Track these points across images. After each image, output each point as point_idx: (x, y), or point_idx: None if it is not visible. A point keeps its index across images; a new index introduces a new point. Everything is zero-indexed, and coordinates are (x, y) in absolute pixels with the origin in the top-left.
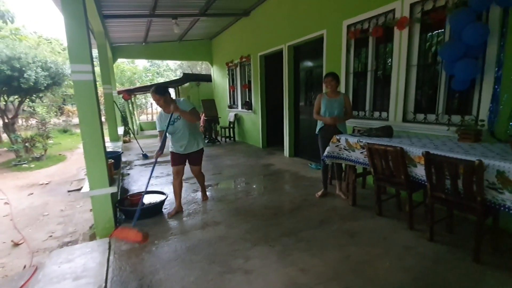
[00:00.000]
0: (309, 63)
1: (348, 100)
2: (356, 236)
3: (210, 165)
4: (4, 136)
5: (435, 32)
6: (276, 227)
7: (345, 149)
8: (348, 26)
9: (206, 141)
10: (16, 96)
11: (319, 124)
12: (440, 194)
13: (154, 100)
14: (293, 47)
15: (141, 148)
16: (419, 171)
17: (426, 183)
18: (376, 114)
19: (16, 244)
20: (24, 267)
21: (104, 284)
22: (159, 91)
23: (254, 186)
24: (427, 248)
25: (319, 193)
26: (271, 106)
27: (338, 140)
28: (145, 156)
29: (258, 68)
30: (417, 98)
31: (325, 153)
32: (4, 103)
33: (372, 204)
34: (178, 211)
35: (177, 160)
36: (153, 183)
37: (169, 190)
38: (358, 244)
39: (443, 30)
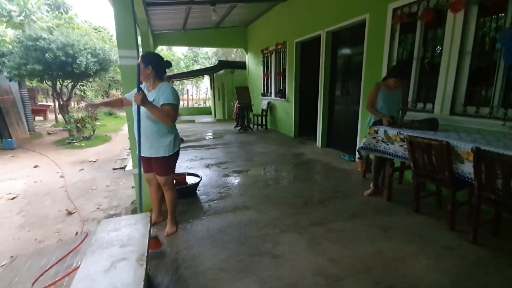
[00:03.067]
0: (348, 50)
1: (407, 92)
2: (390, 231)
3: (241, 151)
4: (59, 117)
5: (494, 16)
6: (306, 216)
7: (383, 141)
8: (394, 10)
9: (238, 128)
10: (69, 80)
11: (373, 117)
12: (489, 194)
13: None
14: (332, 33)
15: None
16: (466, 168)
17: (473, 182)
18: (420, 105)
19: (69, 213)
20: (76, 233)
21: (146, 253)
22: (143, 57)
23: (285, 174)
24: (468, 250)
25: (368, 191)
26: (305, 94)
27: (376, 132)
28: (182, 141)
29: (293, 55)
30: (468, 89)
31: (361, 144)
32: (60, 86)
33: (409, 200)
34: (155, 222)
35: (143, 163)
36: (188, 166)
37: (202, 173)
38: (392, 240)
39: (503, 14)
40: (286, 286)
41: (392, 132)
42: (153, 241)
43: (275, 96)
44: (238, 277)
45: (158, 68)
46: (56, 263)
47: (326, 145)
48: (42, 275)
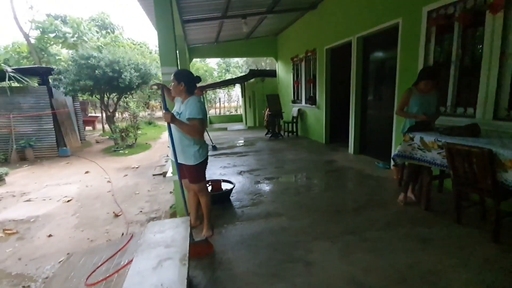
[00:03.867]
0: (380, 55)
1: (439, 95)
2: (428, 242)
3: (272, 158)
4: (106, 127)
5: None
6: (338, 224)
7: (419, 149)
8: (429, 12)
9: (269, 135)
10: (115, 94)
11: (408, 122)
12: None
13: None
14: (363, 38)
15: (211, 140)
16: (511, 177)
17: None
18: (460, 110)
19: (116, 215)
20: (122, 234)
21: (187, 254)
22: (176, 74)
23: (316, 182)
24: None
25: (401, 197)
26: (336, 101)
27: (411, 139)
28: (214, 148)
29: (324, 62)
30: None
31: (396, 151)
32: (107, 99)
33: (449, 210)
34: (192, 226)
35: (180, 170)
36: (221, 173)
37: (235, 180)
38: (430, 252)
39: None
40: None
41: (429, 139)
42: (206, 245)
43: (306, 103)
44: (271, 282)
45: (189, 83)
46: (106, 261)
47: (359, 152)
48: (94, 271)
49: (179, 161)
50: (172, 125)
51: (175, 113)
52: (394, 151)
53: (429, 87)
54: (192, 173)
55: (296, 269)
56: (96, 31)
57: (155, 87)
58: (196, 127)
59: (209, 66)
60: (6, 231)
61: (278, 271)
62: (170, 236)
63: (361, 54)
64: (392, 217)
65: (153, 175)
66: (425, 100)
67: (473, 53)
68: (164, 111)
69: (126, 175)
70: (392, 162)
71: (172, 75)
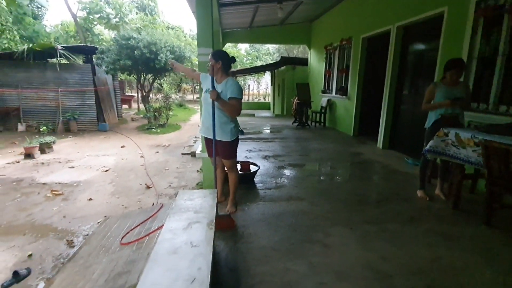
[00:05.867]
0: (420, 46)
1: (469, 89)
2: (452, 240)
3: (298, 146)
4: (141, 106)
5: None
6: (359, 214)
7: (453, 145)
8: (478, 2)
9: (296, 124)
10: (150, 75)
11: (433, 116)
12: None
13: (210, 61)
14: (403, 28)
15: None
16: None
17: None
18: (503, 108)
19: (148, 187)
20: (153, 204)
21: (214, 220)
22: (214, 54)
23: (340, 172)
24: None
25: (421, 192)
26: (368, 93)
27: (446, 134)
28: (242, 132)
29: (359, 51)
30: None
31: (427, 147)
32: (143, 79)
33: (479, 211)
34: (218, 201)
35: (207, 147)
36: (247, 156)
37: (260, 163)
38: (453, 249)
39: None
40: (333, 273)
41: (465, 135)
42: (229, 219)
43: (336, 93)
44: (288, 258)
45: (225, 63)
46: (139, 225)
47: (388, 147)
48: (128, 233)
49: (213, 137)
50: (208, 98)
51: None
52: (425, 147)
53: (455, 77)
54: (227, 149)
55: (313, 249)
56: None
57: (170, 63)
58: (237, 106)
59: (240, 53)
60: (53, 192)
61: (295, 249)
62: (199, 204)
63: (400, 45)
64: (416, 212)
65: (182, 154)
66: (451, 92)
67: None
68: (211, 89)
69: (158, 152)
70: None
71: (210, 54)
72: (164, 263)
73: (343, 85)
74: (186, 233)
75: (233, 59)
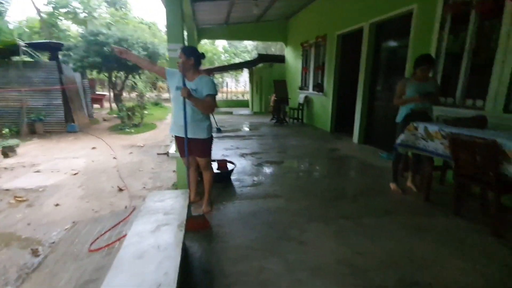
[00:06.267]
0: (392, 43)
1: (438, 84)
2: (424, 232)
3: (275, 143)
4: (114, 105)
5: None
6: (336, 209)
7: (423, 139)
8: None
9: (274, 121)
10: (123, 72)
11: (404, 111)
12: None
13: (179, 57)
14: (375, 25)
15: (216, 122)
16: None
17: None
18: (469, 102)
19: (120, 189)
20: (126, 207)
21: (185, 222)
22: (185, 49)
23: (317, 168)
24: (511, 258)
25: (394, 185)
26: (344, 89)
27: (416, 128)
28: (219, 130)
29: (334, 48)
30: None
31: (399, 141)
32: (114, 78)
33: (449, 202)
34: (192, 202)
35: (180, 146)
36: (224, 154)
37: (237, 161)
38: (426, 240)
39: None
40: (309, 270)
41: (433, 128)
42: (203, 220)
43: (313, 90)
44: (264, 256)
45: (197, 60)
46: (109, 229)
47: (363, 142)
48: (98, 238)
49: (189, 136)
50: (179, 96)
51: (181, 84)
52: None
53: (426, 73)
54: (203, 147)
55: (289, 246)
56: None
57: (117, 50)
58: (212, 103)
59: (217, 50)
60: (16, 198)
61: (272, 247)
62: (170, 205)
63: (373, 42)
64: (391, 205)
65: (158, 153)
66: (422, 87)
67: (487, 45)
68: (182, 86)
69: (131, 152)
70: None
71: (180, 50)
72: (128, 268)
73: (319, 81)
74: (154, 236)
75: (203, 55)
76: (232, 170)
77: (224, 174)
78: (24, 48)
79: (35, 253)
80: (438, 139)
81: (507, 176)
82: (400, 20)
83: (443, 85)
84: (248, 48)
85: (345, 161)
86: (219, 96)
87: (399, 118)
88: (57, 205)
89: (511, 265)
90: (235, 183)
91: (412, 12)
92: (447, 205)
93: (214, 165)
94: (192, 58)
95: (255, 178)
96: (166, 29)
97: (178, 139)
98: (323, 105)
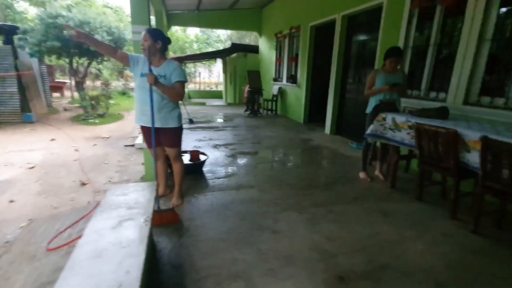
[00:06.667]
0: (363, 36)
1: (405, 76)
2: (389, 216)
3: (249, 134)
4: (75, 94)
5: None
6: (308, 198)
7: (390, 129)
8: None
9: (248, 112)
10: (85, 58)
11: (373, 102)
12: (494, 185)
13: (143, 39)
14: (347, 17)
15: (188, 113)
16: (472, 158)
17: (478, 172)
18: (433, 94)
19: (83, 184)
20: (88, 202)
21: (151, 216)
22: (152, 31)
23: (291, 158)
24: (468, 238)
25: (363, 174)
26: (317, 81)
27: (384, 119)
28: (191, 121)
29: (307, 40)
30: (484, 78)
31: (368, 131)
32: (76, 64)
33: (413, 188)
34: (161, 195)
35: (147, 137)
36: (196, 146)
37: (210, 153)
38: (391, 224)
39: None
40: (282, 258)
41: (400, 119)
42: (172, 213)
43: (287, 81)
44: (237, 247)
45: (165, 44)
46: (69, 226)
47: (335, 132)
48: (56, 236)
49: (157, 126)
50: (145, 82)
51: (146, 70)
52: (366, 131)
53: (394, 65)
54: (173, 136)
55: (262, 236)
56: None
57: (73, 31)
58: (181, 90)
59: (189, 38)
60: None
61: (245, 238)
62: (134, 199)
63: (344, 34)
64: (359, 193)
65: (125, 145)
66: (390, 79)
67: (451, 39)
68: (148, 73)
69: (96, 144)
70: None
71: (146, 32)
72: (83, 269)
73: (293, 73)
74: (115, 232)
75: (169, 40)
76: (204, 162)
77: (196, 166)
78: None
79: None
80: (405, 129)
81: (465, 164)
82: (371, 13)
83: (410, 78)
84: (222, 38)
85: (317, 151)
86: (191, 87)
87: (368, 109)
88: (11, 201)
89: (467, 245)
90: (208, 175)
91: (382, 6)
92: (410, 192)
93: (187, 157)
94: (160, 41)
95: (228, 169)
96: (130, 9)
97: (145, 129)
98: (297, 96)
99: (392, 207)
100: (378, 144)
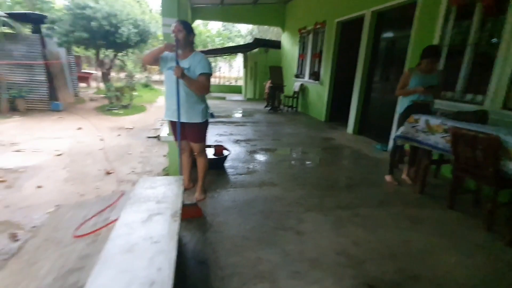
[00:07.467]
0: (393, 33)
1: (442, 77)
2: (419, 223)
3: (270, 131)
4: (101, 85)
5: None
6: (331, 199)
7: (423, 132)
8: None
9: (268, 108)
10: (111, 50)
11: (406, 102)
12: None
13: (176, 31)
14: (377, 13)
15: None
16: None
17: None
18: (469, 97)
19: (107, 173)
20: (113, 191)
21: (179, 211)
22: (186, 23)
23: (312, 157)
24: (505, 252)
25: (389, 177)
26: (340, 78)
27: (416, 121)
28: (212, 115)
29: (333, 36)
30: None
31: (398, 132)
32: (103, 55)
33: (443, 195)
34: (186, 188)
35: (174, 131)
36: (217, 140)
37: (231, 148)
38: (421, 232)
39: None
40: (308, 261)
41: (434, 122)
42: (195, 208)
43: (309, 78)
44: (261, 246)
45: (193, 36)
46: (95, 215)
47: (358, 132)
48: (83, 224)
49: (183, 120)
50: (171, 76)
51: (172, 65)
52: (396, 133)
53: (431, 66)
54: (197, 131)
55: (286, 236)
56: None
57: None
58: (206, 83)
59: (211, 32)
60: None
61: (268, 237)
62: (162, 193)
63: (373, 31)
64: (385, 196)
65: (147, 137)
66: (426, 79)
67: (490, 40)
68: (175, 65)
69: (120, 135)
70: (389, 145)
71: (179, 24)
72: (116, 264)
73: (316, 70)
74: (146, 227)
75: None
76: (226, 157)
77: (219, 161)
78: (4, 19)
79: (13, 237)
80: (440, 132)
81: (505, 173)
82: (403, 9)
83: (445, 79)
84: (242, 32)
85: (340, 150)
86: (212, 81)
87: (400, 109)
88: (39, 187)
89: (503, 259)
90: (229, 170)
91: (416, 2)
92: (441, 198)
93: (211, 151)
94: (192, 34)
95: (250, 166)
96: (161, 2)
97: (172, 123)
98: (319, 94)
99: (421, 213)
100: (406, 146)
